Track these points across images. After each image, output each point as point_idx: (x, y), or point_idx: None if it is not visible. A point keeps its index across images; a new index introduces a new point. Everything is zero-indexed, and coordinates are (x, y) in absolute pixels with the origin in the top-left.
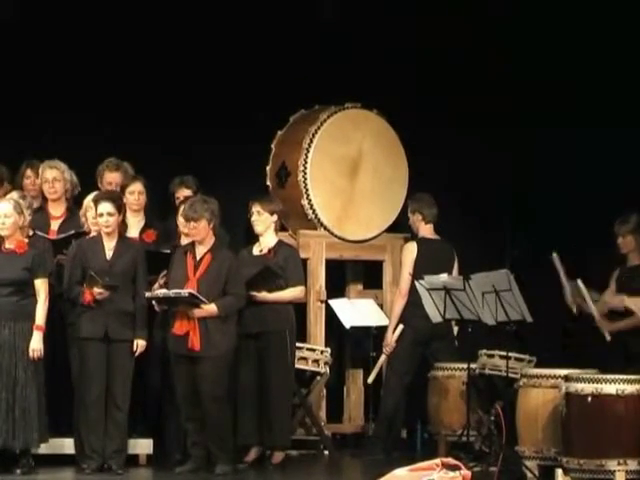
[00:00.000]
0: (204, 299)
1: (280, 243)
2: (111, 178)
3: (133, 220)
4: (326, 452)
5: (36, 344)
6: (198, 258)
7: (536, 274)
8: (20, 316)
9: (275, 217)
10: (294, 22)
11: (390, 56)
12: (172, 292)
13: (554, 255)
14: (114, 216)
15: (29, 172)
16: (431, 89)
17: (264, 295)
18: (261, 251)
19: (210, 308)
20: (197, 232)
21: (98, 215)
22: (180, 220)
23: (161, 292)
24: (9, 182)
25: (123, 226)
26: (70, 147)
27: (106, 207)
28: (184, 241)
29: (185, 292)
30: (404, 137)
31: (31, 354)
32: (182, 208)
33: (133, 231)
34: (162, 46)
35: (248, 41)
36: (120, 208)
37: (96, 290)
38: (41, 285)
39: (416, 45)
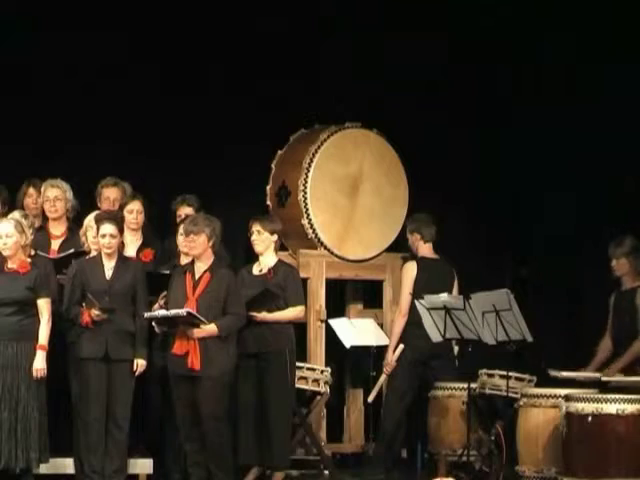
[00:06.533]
0: (203, 318)
1: (280, 263)
2: (108, 193)
3: (131, 239)
4: (326, 472)
5: (39, 364)
6: (197, 277)
7: (538, 294)
8: (23, 336)
9: (275, 237)
10: (294, 41)
11: (390, 75)
12: (171, 312)
13: (554, 373)
14: (116, 238)
15: (31, 190)
16: (432, 108)
17: (264, 315)
18: (261, 271)
19: (210, 328)
20: (195, 246)
21: (100, 236)
22: (180, 240)
23: (160, 312)
24: (6, 203)
25: (121, 245)
26: (70, 167)
27: (109, 229)
28: (184, 261)
29: (183, 312)
30: (404, 156)
31: (34, 374)
32: (183, 224)
33: (130, 250)
34: (162, 63)
35: (249, 60)
36: (121, 228)
37: (94, 312)
38: (44, 305)
39: (416, 64)
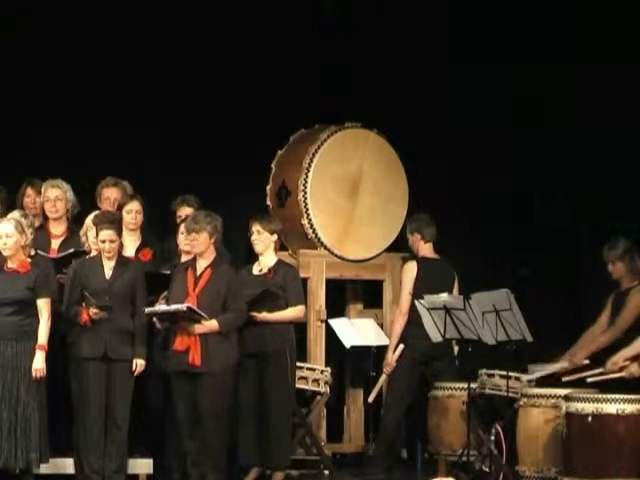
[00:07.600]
0: (203, 314)
1: (280, 263)
2: (109, 193)
3: (129, 239)
4: (326, 472)
5: (39, 364)
6: (198, 273)
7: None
8: (22, 336)
9: (275, 237)
10: (296, 41)
11: (390, 75)
12: (171, 307)
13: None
14: (116, 242)
15: (29, 190)
16: (431, 109)
17: (264, 315)
18: (261, 271)
19: (210, 324)
20: (196, 244)
21: (100, 241)
22: (180, 239)
23: (160, 308)
24: (5, 203)
25: (120, 245)
26: (70, 166)
27: (108, 234)
28: (184, 261)
29: (184, 307)
30: (404, 156)
31: (34, 374)
32: (185, 223)
33: (129, 250)
34: (162, 63)
35: (250, 59)
36: (120, 231)
37: (92, 310)
38: (44, 305)
39: (417, 64)
